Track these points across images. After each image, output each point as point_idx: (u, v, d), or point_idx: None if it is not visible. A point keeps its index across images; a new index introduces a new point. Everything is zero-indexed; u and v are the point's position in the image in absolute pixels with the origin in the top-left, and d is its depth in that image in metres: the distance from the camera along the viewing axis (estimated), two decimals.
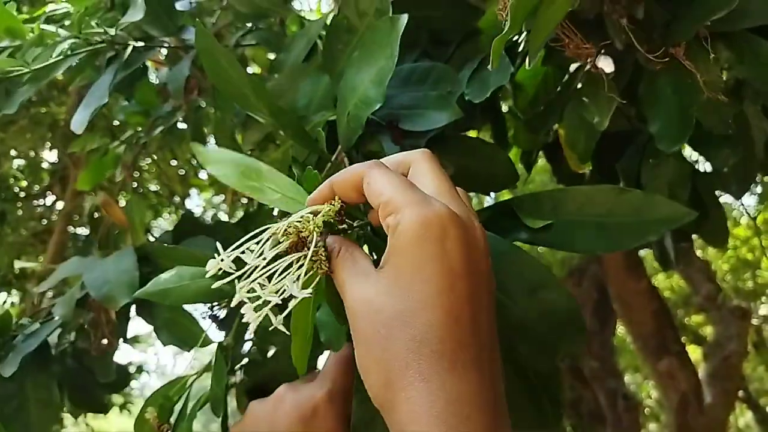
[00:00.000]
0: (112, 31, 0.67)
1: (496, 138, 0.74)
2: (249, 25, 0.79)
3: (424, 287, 0.25)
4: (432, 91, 0.55)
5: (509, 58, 0.74)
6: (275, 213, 0.60)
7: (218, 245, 0.29)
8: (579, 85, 0.65)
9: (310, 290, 0.27)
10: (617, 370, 3.76)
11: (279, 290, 0.28)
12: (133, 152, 0.89)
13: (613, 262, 2.74)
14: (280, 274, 0.28)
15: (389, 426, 0.26)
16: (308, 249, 0.29)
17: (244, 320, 0.29)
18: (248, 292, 0.28)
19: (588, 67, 0.58)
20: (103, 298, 0.58)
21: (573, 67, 0.68)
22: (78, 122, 0.58)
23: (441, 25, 0.70)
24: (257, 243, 0.29)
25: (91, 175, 1.05)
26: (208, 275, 0.29)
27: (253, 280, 0.28)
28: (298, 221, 0.29)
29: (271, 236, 0.29)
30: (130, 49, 0.67)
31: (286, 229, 0.29)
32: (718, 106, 0.55)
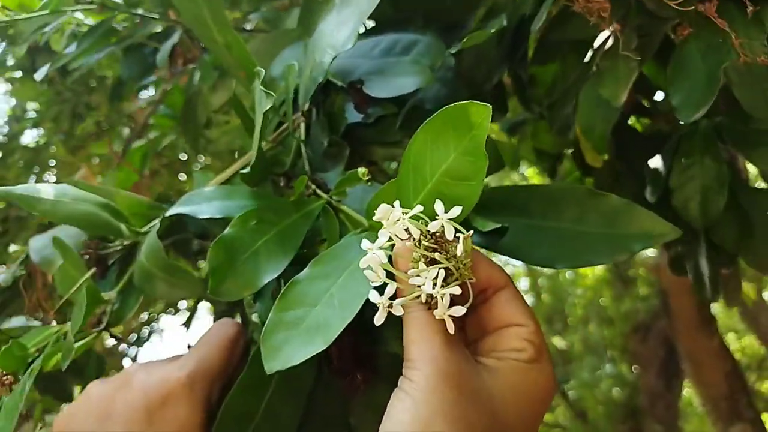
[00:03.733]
0: None
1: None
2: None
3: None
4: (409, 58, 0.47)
5: (518, 44, 0.65)
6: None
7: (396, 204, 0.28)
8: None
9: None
10: None
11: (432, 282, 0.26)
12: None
13: (684, 317, 2.51)
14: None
15: None
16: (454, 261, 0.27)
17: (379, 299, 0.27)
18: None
19: (605, 30, 0.50)
20: (41, 260, 0.53)
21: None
22: (39, 73, 0.55)
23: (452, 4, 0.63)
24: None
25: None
26: (377, 218, 0.28)
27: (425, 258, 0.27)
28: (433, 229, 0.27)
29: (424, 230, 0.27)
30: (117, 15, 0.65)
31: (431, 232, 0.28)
32: (761, 75, 0.44)
